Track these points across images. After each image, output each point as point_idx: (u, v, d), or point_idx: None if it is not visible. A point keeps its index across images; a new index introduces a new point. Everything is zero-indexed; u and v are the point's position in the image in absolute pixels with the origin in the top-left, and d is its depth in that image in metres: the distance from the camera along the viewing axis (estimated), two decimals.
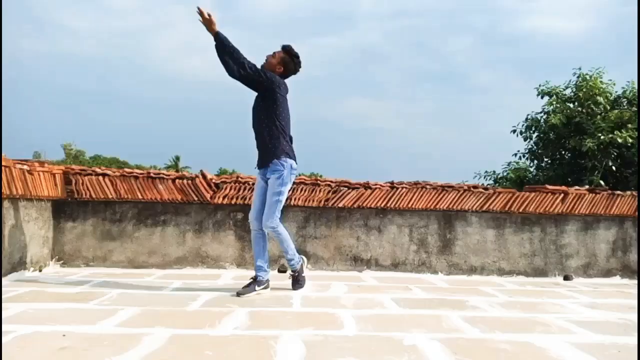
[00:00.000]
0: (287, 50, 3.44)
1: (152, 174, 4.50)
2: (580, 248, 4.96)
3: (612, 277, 4.96)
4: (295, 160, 3.44)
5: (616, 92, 9.59)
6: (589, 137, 8.57)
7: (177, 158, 48.42)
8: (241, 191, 4.55)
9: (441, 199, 4.74)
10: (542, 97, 10.05)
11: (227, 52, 3.21)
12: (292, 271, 3.62)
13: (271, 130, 3.34)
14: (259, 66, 3.33)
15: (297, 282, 3.60)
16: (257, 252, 3.51)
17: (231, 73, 3.23)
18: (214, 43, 3.22)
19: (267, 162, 3.37)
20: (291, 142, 3.48)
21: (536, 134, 10.02)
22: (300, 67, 3.50)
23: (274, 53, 3.45)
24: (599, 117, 8.97)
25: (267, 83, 3.31)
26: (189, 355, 2.00)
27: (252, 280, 3.44)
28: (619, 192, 4.99)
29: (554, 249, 4.92)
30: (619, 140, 8.21)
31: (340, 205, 4.64)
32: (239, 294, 3.27)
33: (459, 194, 4.76)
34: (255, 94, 3.43)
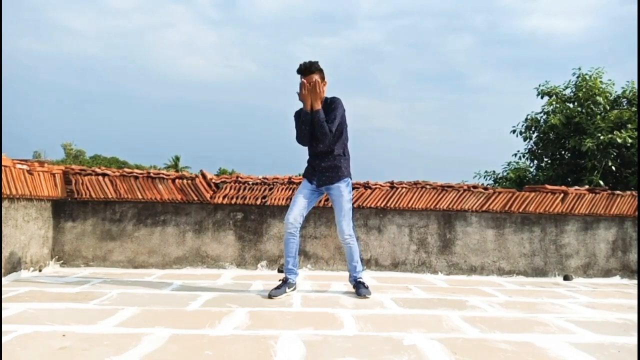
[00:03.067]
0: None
1: (152, 174, 4.50)
2: (580, 248, 4.96)
3: (611, 277, 4.96)
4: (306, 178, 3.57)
5: (616, 92, 9.58)
6: (589, 137, 8.57)
7: (177, 158, 48.46)
8: (241, 191, 4.55)
9: (441, 199, 4.74)
10: (541, 97, 10.05)
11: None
12: (357, 280, 3.52)
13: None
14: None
15: (365, 286, 3.48)
16: (290, 255, 3.46)
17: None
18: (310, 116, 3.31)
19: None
20: (309, 163, 3.56)
21: (536, 134, 10.01)
22: (301, 67, 3.34)
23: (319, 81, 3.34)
24: (598, 117, 8.96)
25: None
26: (189, 355, 2.00)
27: (282, 282, 3.42)
28: (618, 192, 4.99)
29: (553, 249, 4.92)
30: (619, 140, 8.20)
31: None
32: (271, 296, 3.26)
33: (459, 194, 4.76)
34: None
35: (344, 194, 3.44)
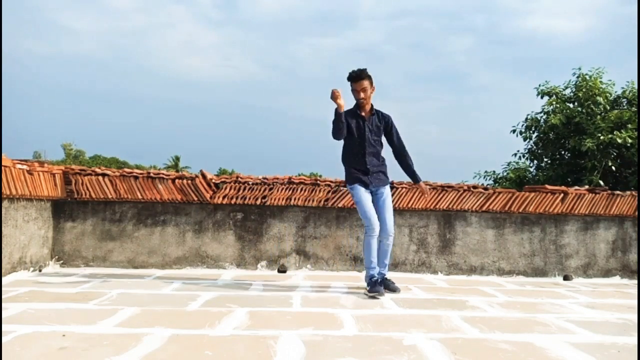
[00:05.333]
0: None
1: (151, 174, 4.50)
2: (580, 248, 4.96)
3: (611, 277, 4.96)
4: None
5: (616, 92, 9.59)
6: (589, 137, 8.57)
7: (177, 158, 48.46)
8: (241, 191, 4.55)
9: (441, 199, 4.74)
10: (542, 97, 10.06)
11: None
12: (385, 277, 3.67)
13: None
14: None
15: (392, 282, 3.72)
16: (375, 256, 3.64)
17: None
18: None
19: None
20: (357, 169, 3.67)
21: (536, 134, 10.02)
22: (352, 75, 3.56)
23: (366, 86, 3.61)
24: (598, 117, 8.97)
25: None
26: (189, 355, 2.00)
27: (375, 282, 3.54)
28: (618, 192, 4.99)
29: (553, 249, 4.92)
30: (619, 141, 8.20)
31: (340, 205, 4.64)
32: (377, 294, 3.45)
33: (458, 194, 4.76)
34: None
35: (389, 196, 3.70)
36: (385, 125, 3.69)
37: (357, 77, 3.52)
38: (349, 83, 3.57)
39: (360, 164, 3.62)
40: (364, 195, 3.59)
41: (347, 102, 3.58)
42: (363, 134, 3.61)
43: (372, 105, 3.65)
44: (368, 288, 3.49)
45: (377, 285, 3.47)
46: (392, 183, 4.74)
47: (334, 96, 3.42)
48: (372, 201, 3.63)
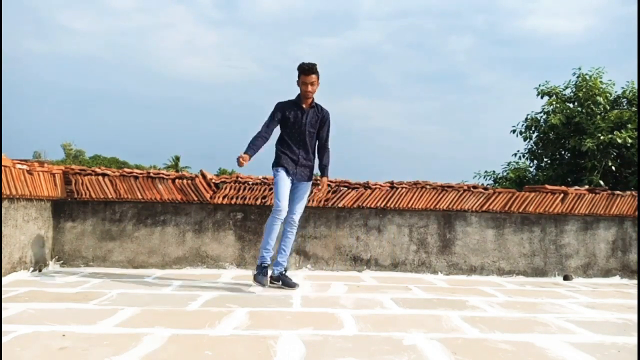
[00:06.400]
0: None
1: (151, 174, 4.50)
2: (580, 248, 4.96)
3: (611, 277, 4.96)
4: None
5: (616, 92, 9.59)
6: (589, 137, 8.57)
7: (177, 158, 48.44)
8: (241, 191, 4.55)
9: (441, 199, 4.74)
10: (541, 97, 10.06)
11: (258, 145, 3.65)
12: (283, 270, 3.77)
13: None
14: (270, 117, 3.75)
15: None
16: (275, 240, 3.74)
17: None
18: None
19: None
20: (287, 155, 3.74)
21: (536, 134, 10.02)
22: (304, 67, 3.63)
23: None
24: (598, 117, 8.97)
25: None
26: (189, 355, 2.00)
27: (263, 267, 3.68)
28: (618, 192, 4.99)
29: (553, 249, 4.92)
30: (619, 141, 8.20)
31: (340, 205, 4.64)
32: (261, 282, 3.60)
33: (458, 194, 4.76)
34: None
35: (308, 192, 3.84)
36: (322, 119, 3.79)
37: (309, 71, 3.62)
38: (298, 74, 3.66)
39: (292, 153, 3.71)
40: (285, 180, 3.65)
41: (294, 92, 3.78)
42: (300, 125, 3.70)
43: (313, 98, 3.75)
44: (255, 272, 3.61)
45: (264, 275, 3.59)
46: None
47: (239, 163, 3.51)
48: (290, 190, 3.71)
